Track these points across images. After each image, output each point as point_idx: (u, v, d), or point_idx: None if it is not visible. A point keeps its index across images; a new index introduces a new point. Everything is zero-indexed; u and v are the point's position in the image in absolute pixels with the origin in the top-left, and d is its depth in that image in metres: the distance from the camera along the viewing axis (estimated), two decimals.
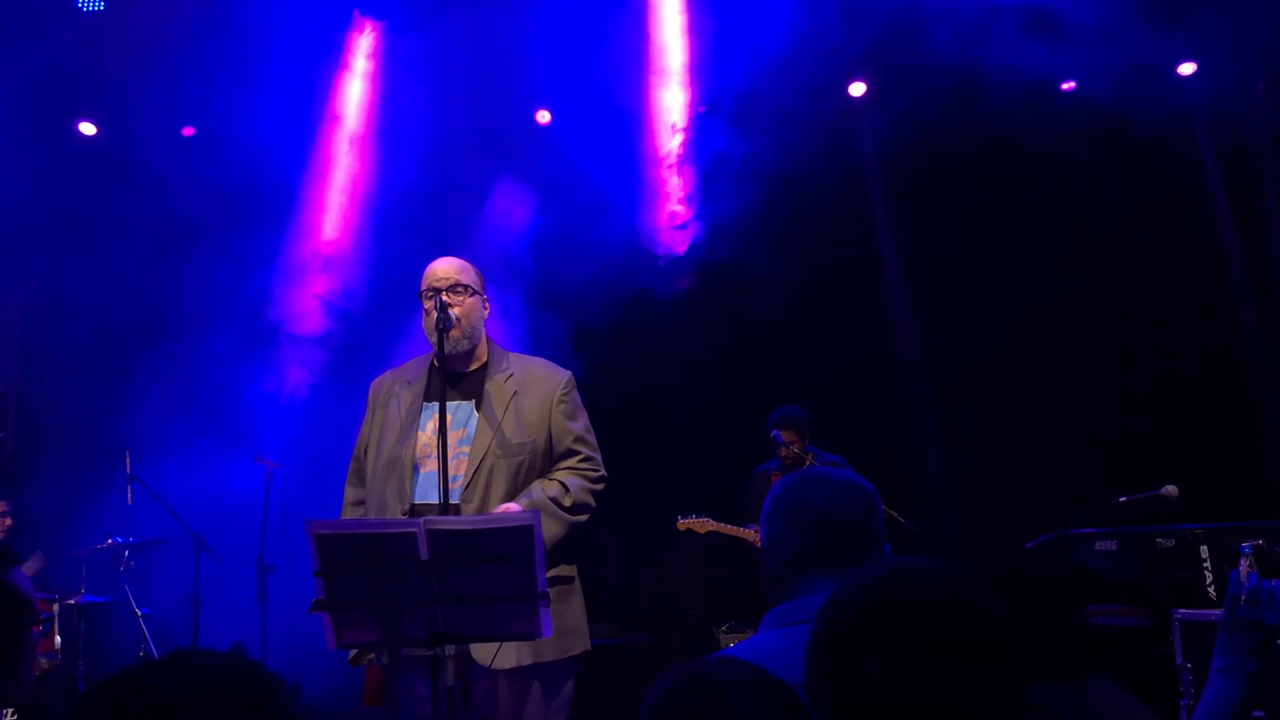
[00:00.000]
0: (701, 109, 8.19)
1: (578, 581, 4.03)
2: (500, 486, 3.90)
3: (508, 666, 3.74)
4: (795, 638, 2.03)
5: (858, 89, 8.44)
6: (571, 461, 4.05)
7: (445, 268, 4.11)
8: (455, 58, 7.66)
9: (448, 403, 3.81)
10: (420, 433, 3.99)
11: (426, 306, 4.06)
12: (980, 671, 1.45)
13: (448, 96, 7.72)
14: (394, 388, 4.17)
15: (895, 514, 6.47)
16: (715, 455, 8.11)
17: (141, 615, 6.93)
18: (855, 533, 2.15)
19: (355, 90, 8.23)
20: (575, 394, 4.16)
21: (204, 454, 7.50)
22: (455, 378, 4.06)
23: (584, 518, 3.98)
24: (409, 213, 7.75)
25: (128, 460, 7.10)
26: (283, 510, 7.02)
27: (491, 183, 7.93)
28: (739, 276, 8.16)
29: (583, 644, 3.99)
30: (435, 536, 3.07)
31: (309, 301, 7.96)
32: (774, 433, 6.96)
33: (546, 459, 4.04)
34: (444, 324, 3.89)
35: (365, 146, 8.23)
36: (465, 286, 4.07)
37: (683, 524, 7.02)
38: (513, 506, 3.78)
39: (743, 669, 1.65)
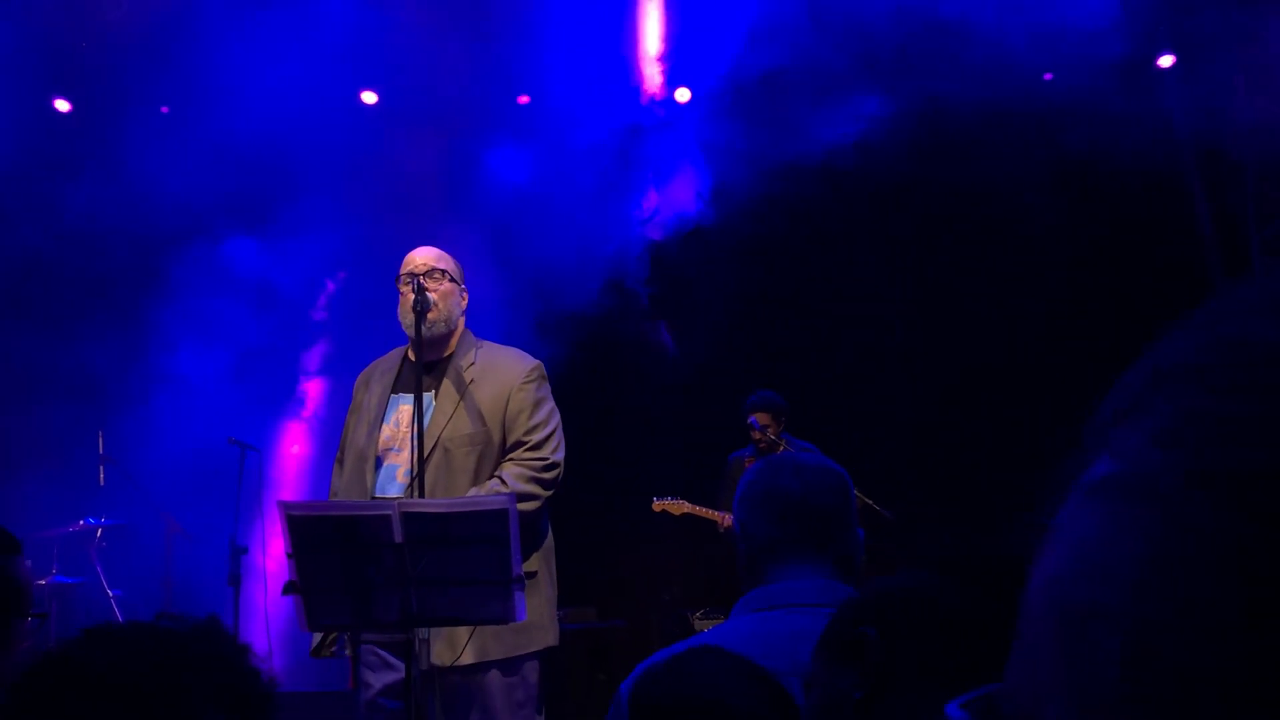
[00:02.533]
0: (686, 95, 8.18)
1: (541, 575, 3.94)
2: (455, 478, 3.85)
3: (467, 663, 3.73)
4: (769, 623, 2.04)
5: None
6: (516, 452, 3.94)
7: (423, 255, 4.11)
8: (439, 37, 7.60)
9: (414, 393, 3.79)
10: (385, 425, 3.99)
11: (404, 291, 4.03)
12: None
13: (431, 75, 7.65)
14: (371, 378, 4.18)
15: (872, 503, 6.50)
16: (692, 438, 8.12)
17: (113, 596, 6.90)
18: (829, 517, 2.14)
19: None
20: (540, 384, 4.07)
21: (177, 435, 7.45)
22: (426, 367, 4.01)
23: (531, 505, 3.84)
24: (392, 191, 7.69)
25: (100, 441, 7.07)
26: (256, 492, 6.99)
27: (469, 164, 7.90)
28: (717, 260, 8.16)
29: (544, 639, 3.93)
30: (410, 519, 3.07)
31: (286, 280, 7.90)
32: (750, 418, 6.99)
33: (503, 448, 3.96)
34: (421, 305, 3.85)
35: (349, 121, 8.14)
36: (443, 272, 4.06)
37: (658, 505, 7.06)
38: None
39: (726, 658, 1.63)
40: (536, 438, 3.96)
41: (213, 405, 7.55)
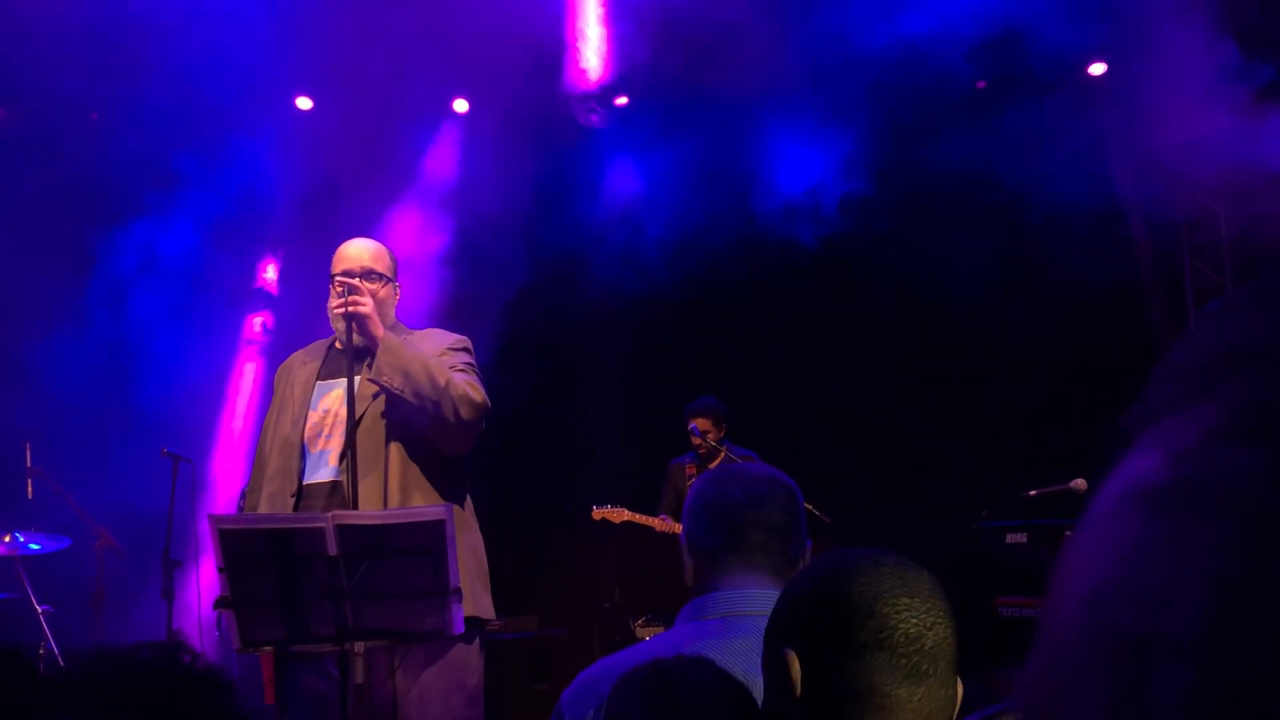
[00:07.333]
0: (623, 100, 8.16)
1: (467, 529, 3.82)
2: (392, 446, 3.75)
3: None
4: (706, 632, 2.03)
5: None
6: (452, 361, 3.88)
7: (357, 253, 3.98)
8: (375, 43, 7.49)
9: (340, 379, 3.76)
10: (312, 412, 3.87)
11: (336, 291, 3.90)
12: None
13: (366, 76, 7.53)
14: (293, 369, 4.07)
15: (812, 508, 6.52)
16: (633, 446, 8.10)
17: (42, 612, 6.72)
18: (776, 527, 2.13)
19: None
20: (467, 353, 3.98)
21: (109, 446, 7.30)
22: (357, 354, 3.90)
23: (453, 401, 3.66)
24: (331, 188, 7.58)
25: (28, 453, 6.90)
26: (190, 504, 6.86)
27: (414, 169, 7.83)
28: (656, 267, 8.15)
29: (473, 607, 3.64)
30: (344, 531, 3.01)
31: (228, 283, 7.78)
32: (690, 424, 7.00)
33: None
34: (352, 315, 3.75)
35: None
36: (379, 274, 3.97)
37: (598, 513, 7.05)
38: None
39: (697, 664, 1.63)
40: (473, 374, 3.90)
41: (145, 415, 7.41)
